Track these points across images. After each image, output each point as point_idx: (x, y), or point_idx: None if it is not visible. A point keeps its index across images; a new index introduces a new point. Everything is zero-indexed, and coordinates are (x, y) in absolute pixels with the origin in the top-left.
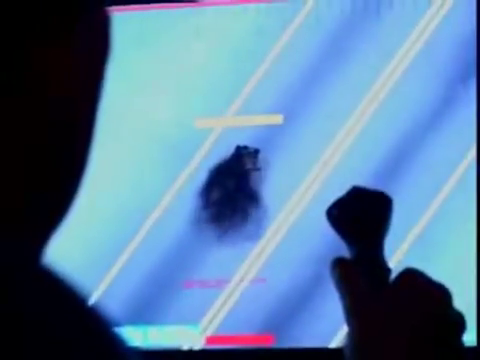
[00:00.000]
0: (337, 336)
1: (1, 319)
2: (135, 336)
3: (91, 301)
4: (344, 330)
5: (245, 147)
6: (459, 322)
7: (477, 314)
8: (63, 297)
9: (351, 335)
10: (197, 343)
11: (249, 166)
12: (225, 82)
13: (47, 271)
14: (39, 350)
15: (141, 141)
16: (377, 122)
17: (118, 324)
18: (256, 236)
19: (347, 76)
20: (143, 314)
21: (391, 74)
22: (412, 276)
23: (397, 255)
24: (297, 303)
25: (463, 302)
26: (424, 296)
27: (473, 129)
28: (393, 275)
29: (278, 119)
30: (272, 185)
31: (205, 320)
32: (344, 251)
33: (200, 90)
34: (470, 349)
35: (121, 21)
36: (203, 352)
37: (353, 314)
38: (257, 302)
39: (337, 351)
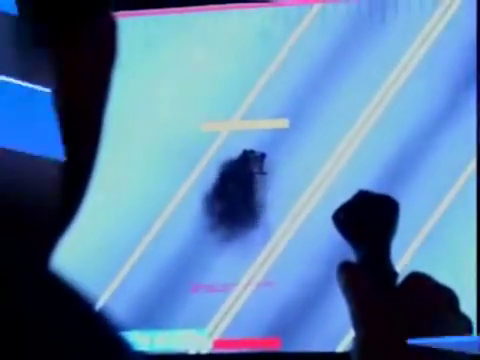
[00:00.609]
0: (344, 340)
1: (1, 319)
2: (142, 341)
3: (98, 306)
4: (351, 334)
5: (252, 151)
6: (466, 326)
7: (477, 317)
8: (66, 299)
9: (357, 339)
10: (204, 347)
11: (255, 170)
12: (231, 86)
13: (51, 273)
14: (40, 351)
15: (148, 145)
16: (383, 127)
17: (125, 329)
18: (263, 240)
19: (353, 80)
20: (150, 319)
21: (397, 79)
22: (419, 280)
23: (403, 259)
24: (304, 307)
25: (464, 306)
26: (431, 300)
27: (473, 134)
28: (399, 279)
29: (284, 123)
30: (278, 189)
31: (212, 324)
32: (351, 255)
33: (207, 94)
34: None
35: (127, 26)
36: (210, 356)
37: (359, 318)
38: (264, 306)
39: (344, 355)
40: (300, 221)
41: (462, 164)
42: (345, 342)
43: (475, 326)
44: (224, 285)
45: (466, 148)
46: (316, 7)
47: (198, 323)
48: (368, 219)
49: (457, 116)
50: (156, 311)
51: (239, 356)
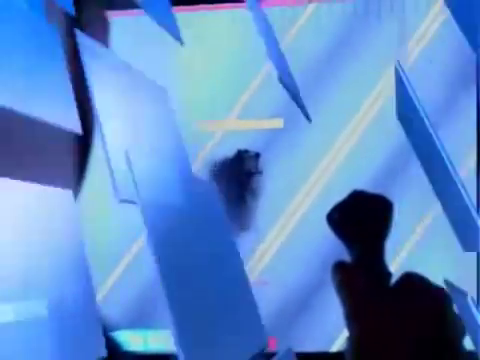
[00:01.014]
0: (338, 340)
1: None
2: (135, 341)
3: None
4: (345, 334)
5: (246, 151)
6: (460, 326)
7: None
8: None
9: (351, 339)
10: None
11: (250, 170)
12: (226, 86)
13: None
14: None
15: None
16: (378, 126)
17: (118, 328)
18: (257, 239)
19: (348, 80)
20: (143, 318)
21: (392, 78)
22: (412, 280)
23: (398, 259)
24: (299, 306)
25: None
26: (424, 300)
27: (473, 135)
28: (393, 279)
29: (279, 123)
30: (273, 188)
31: None
32: (345, 255)
33: (201, 94)
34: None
35: (120, 25)
36: None
37: (353, 318)
38: (258, 305)
39: (338, 355)
40: (295, 221)
41: (462, 159)
42: (340, 342)
43: None
44: None
45: (465, 148)
46: (311, 7)
47: None
48: (362, 219)
49: (456, 116)
50: (149, 311)
51: None
